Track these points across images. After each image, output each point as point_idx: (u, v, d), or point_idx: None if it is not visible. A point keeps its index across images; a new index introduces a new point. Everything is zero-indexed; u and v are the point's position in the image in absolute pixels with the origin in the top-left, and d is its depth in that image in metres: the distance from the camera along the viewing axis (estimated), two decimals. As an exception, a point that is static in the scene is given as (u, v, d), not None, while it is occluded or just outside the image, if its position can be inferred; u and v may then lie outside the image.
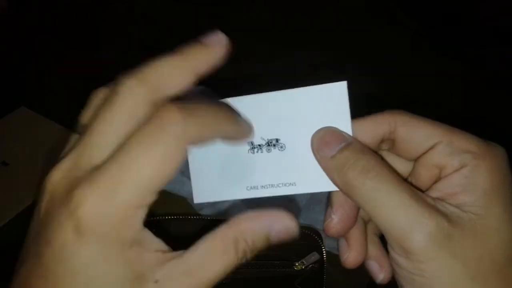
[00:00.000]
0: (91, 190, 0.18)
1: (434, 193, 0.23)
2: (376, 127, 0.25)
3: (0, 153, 0.60)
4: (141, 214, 0.20)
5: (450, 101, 0.79)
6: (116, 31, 0.91)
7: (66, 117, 0.68)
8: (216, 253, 0.20)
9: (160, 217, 0.39)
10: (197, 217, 0.42)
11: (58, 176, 0.20)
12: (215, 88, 0.56)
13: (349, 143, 0.23)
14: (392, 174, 0.21)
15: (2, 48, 0.86)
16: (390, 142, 0.25)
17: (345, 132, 0.24)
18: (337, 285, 0.52)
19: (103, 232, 0.18)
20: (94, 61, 0.84)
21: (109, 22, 0.93)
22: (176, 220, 0.40)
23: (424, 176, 0.24)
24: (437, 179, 0.23)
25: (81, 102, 0.72)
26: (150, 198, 0.20)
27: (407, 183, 0.22)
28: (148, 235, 0.20)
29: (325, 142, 0.23)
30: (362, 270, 0.49)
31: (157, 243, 0.20)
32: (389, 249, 0.22)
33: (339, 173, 0.22)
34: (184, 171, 0.49)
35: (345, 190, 0.22)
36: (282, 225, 0.21)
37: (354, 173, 0.21)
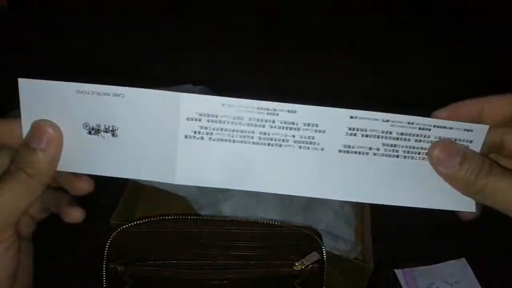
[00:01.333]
0: None
1: None
2: (469, 110, 0.27)
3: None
4: None
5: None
6: (116, 31, 0.91)
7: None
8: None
9: (157, 217, 0.39)
10: (197, 217, 0.42)
11: None
12: (213, 87, 0.56)
13: (465, 155, 0.24)
14: (505, 170, 0.24)
15: (2, 48, 0.86)
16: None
17: (458, 144, 0.25)
18: (337, 285, 0.52)
19: None
20: (94, 61, 0.84)
21: (109, 22, 0.93)
22: (174, 220, 0.40)
23: None
24: None
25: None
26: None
27: None
28: None
29: (443, 160, 0.24)
30: (361, 271, 0.50)
31: None
32: None
33: (466, 182, 0.24)
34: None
35: (472, 193, 0.25)
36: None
37: (478, 179, 0.24)
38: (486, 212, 0.64)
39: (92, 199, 0.64)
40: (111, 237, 0.41)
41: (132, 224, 0.40)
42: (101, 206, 0.59)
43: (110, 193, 0.59)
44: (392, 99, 0.78)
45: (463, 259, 0.54)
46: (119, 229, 0.41)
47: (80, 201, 0.65)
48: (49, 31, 0.90)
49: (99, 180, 0.68)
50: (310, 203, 0.51)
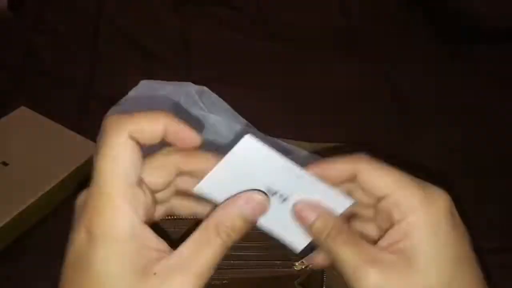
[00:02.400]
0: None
1: (385, 240, 0.26)
2: (339, 172, 0.28)
3: (0, 153, 0.60)
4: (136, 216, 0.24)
5: (454, 100, 0.79)
6: (116, 31, 0.91)
7: (66, 117, 0.68)
8: (203, 242, 0.24)
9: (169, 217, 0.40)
10: (197, 218, 0.42)
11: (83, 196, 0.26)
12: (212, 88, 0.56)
13: (319, 215, 0.27)
14: (347, 236, 0.26)
15: (2, 48, 0.86)
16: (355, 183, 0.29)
17: (317, 205, 0.27)
18: (337, 285, 0.52)
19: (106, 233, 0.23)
20: (94, 61, 0.84)
21: (108, 22, 0.93)
22: (181, 220, 0.40)
23: (380, 221, 0.28)
24: (390, 226, 0.27)
25: (81, 102, 0.72)
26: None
27: (360, 241, 0.26)
28: (150, 236, 0.24)
29: (303, 216, 0.27)
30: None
31: (157, 242, 0.24)
32: None
33: (316, 240, 0.27)
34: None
35: (324, 252, 0.28)
36: (254, 202, 0.25)
37: (325, 242, 0.26)
38: (486, 211, 0.64)
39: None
40: None
41: None
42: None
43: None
44: (392, 99, 0.78)
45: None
46: None
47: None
48: (49, 31, 0.90)
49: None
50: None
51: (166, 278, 0.23)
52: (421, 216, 0.25)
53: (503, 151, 0.68)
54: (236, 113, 0.53)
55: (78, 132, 0.63)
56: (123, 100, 0.51)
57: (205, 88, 0.53)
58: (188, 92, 0.51)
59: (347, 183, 0.28)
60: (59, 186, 0.57)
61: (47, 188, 0.56)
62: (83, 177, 0.61)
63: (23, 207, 0.54)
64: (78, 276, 0.24)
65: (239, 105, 0.77)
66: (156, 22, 0.94)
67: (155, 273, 0.23)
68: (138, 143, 0.25)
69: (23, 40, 0.87)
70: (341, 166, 0.28)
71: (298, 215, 0.27)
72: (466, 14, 0.89)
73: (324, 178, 0.27)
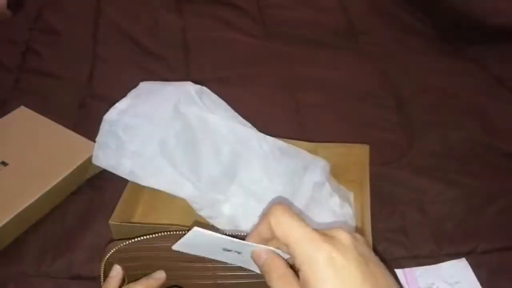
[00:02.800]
0: None
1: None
2: (264, 234, 0.32)
3: (0, 153, 0.60)
4: None
5: (455, 99, 0.78)
6: (116, 31, 0.91)
7: (66, 117, 0.68)
8: None
9: (154, 234, 0.40)
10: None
11: None
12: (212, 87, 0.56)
13: (265, 260, 0.32)
14: (282, 274, 0.31)
15: (2, 48, 0.86)
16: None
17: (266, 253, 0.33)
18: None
19: None
20: (94, 61, 0.84)
21: (108, 22, 0.93)
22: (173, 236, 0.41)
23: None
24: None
25: (81, 103, 0.72)
26: None
27: (290, 280, 0.30)
28: None
29: (256, 257, 0.33)
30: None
31: None
32: None
33: (264, 273, 0.32)
34: (183, 172, 0.49)
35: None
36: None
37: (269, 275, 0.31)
38: (486, 211, 0.64)
39: (92, 199, 0.64)
40: (107, 256, 0.41)
41: (128, 242, 0.41)
42: (101, 206, 0.59)
43: (110, 193, 0.59)
44: (392, 99, 0.78)
45: (464, 259, 0.54)
46: (115, 248, 0.41)
47: (80, 201, 0.65)
48: (49, 31, 0.90)
49: (99, 180, 0.68)
50: (310, 205, 0.51)
51: None
52: (310, 267, 0.29)
53: (503, 151, 0.68)
54: (236, 113, 0.53)
55: (78, 132, 0.63)
56: (122, 101, 0.50)
57: (204, 88, 0.53)
58: (187, 92, 0.51)
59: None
60: (59, 186, 0.57)
61: (47, 188, 0.56)
62: (82, 177, 0.61)
63: (23, 207, 0.54)
64: None
65: (238, 104, 0.77)
66: (156, 22, 0.94)
67: None
68: None
69: (23, 40, 0.87)
70: (261, 228, 0.32)
71: (255, 257, 0.33)
72: (466, 14, 0.89)
73: (258, 242, 0.33)
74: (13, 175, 0.57)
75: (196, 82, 0.80)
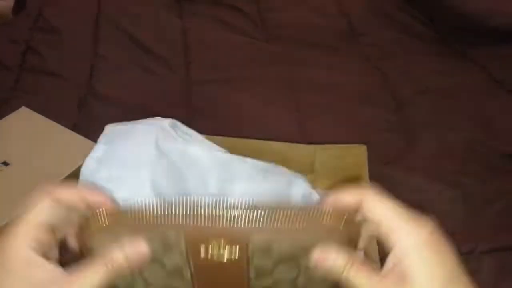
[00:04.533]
0: None
1: (386, 265, 0.31)
2: (348, 203, 0.32)
3: (1, 153, 0.60)
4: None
5: (455, 100, 0.79)
6: (116, 31, 0.91)
7: (66, 117, 0.69)
8: (88, 266, 0.30)
9: None
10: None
11: None
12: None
13: (336, 255, 0.31)
14: (361, 266, 0.30)
15: (2, 48, 0.86)
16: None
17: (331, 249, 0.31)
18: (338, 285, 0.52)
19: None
20: (94, 60, 0.84)
21: (108, 22, 0.93)
22: None
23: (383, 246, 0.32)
24: (388, 252, 0.31)
25: (81, 103, 0.72)
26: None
27: (369, 270, 0.30)
28: (45, 266, 0.30)
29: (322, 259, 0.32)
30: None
31: (52, 270, 0.30)
32: None
33: (336, 274, 0.31)
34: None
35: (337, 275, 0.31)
36: (138, 250, 0.33)
37: (346, 269, 0.31)
38: (486, 211, 0.64)
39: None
40: None
41: None
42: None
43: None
44: (392, 99, 0.78)
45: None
46: None
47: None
48: (49, 31, 0.90)
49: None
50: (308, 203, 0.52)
51: None
52: (411, 242, 0.29)
53: (502, 151, 0.68)
54: (210, 142, 0.52)
55: (78, 132, 0.63)
56: (96, 149, 0.48)
57: (175, 120, 0.51)
58: (162, 128, 0.49)
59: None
60: (60, 186, 0.57)
61: (48, 188, 0.56)
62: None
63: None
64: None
65: (239, 105, 0.77)
66: (156, 22, 0.94)
67: None
68: (57, 203, 0.32)
69: (24, 40, 0.87)
70: (349, 198, 0.32)
71: (319, 260, 0.31)
72: (465, 15, 0.89)
73: (336, 208, 0.32)
74: (14, 175, 0.57)
75: (196, 82, 0.81)
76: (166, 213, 0.32)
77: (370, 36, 0.94)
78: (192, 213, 0.32)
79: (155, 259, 0.33)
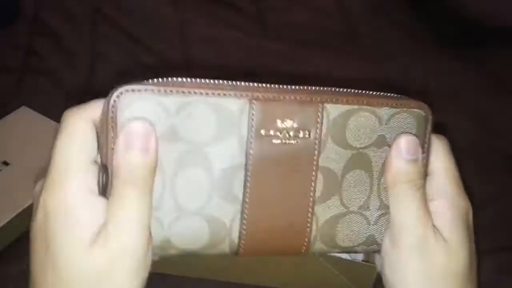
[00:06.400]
0: None
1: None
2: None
3: (1, 153, 0.60)
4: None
5: (454, 100, 0.79)
6: (115, 30, 0.91)
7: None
8: (118, 202, 0.25)
9: None
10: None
11: None
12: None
13: (419, 159, 0.29)
14: (424, 196, 0.28)
15: (2, 49, 0.86)
16: None
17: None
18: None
19: None
20: (94, 60, 0.84)
21: (108, 22, 0.93)
22: None
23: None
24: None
25: (81, 102, 0.72)
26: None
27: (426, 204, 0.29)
28: (101, 208, 0.25)
29: (408, 149, 0.28)
30: (365, 272, 0.50)
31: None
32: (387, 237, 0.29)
33: (397, 175, 0.28)
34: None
35: (389, 183, 0.28)
36: (132, 137, 0.25)
37: (410, 185, 0.28)
38: (486, 211, 0.64)
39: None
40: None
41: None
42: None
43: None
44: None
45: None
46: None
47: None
48: (49, 31, 0.90)
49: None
50: None
51: (108, 241, 0.24)
52: (451, 209, 0.30)
53: (502, 151, 0.68)
54: None
55: (79, 132, 0.63)
56: None
57: None
58: None
59: None
60: (60, 186, 0.57)
61: (48, 187, 0.56)
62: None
63: (24, 206, 0.54)
64: (37, 252, 0.25)
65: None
66: (156, 21, 0.94)
67: (99, 241, 0.24)
68: (94, 126, 0.26)
69: (24, 40, 0.87)
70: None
71: (401, 146, 0.28)
72: (466, 14, 0.89)
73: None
74: (15, 175, 0.57)
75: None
76: (226, 83, 0.26)
77: (371, 36, 0.94)
78: (256, 84, 0.28)
79: (198, 158, 0.25)
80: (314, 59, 0.87)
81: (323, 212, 0.28)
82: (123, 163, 0.24)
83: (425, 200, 0.28)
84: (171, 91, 0.24)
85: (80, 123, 0.26)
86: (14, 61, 0.82)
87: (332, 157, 0.27)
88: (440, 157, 0.30)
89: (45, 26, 0.91)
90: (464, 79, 0.83)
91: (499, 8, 0.87)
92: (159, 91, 0.24)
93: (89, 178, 0.25)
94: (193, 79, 0.25)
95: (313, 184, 0.27)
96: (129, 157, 0.24)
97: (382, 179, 0.28)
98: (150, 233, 0.25)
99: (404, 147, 0.28)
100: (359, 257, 0.52)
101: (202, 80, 0.25)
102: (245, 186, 0.26)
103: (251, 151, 0.25)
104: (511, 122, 0.74)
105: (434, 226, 0.28)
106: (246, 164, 0.26)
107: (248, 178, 0.26)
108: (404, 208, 0.28)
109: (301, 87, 0.30)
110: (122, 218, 0.24)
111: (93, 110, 0.27)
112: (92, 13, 0.95)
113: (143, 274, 0.25)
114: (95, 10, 0.96)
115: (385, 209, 0.29)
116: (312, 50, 0.89)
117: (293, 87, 0.29)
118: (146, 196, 0.24)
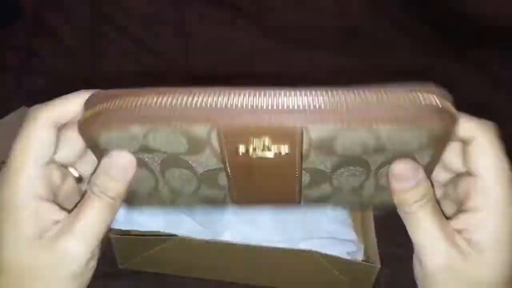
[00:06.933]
0: None
1: (458, 223, 0.27)
2: (462, 132, 0.29)
3: (1, 153, 0.59)
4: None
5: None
6: (116, 30, 0.91)
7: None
8: (84, 206, 0.26)
9: None
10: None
11: None
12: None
13: (420, 181, 0.26)
14: (435, 208, 0.26)
15: (2, 49, 0.86)
16: None
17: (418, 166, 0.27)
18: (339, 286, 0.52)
19: None
20: (94, 60, 0.84)
21: (108, 21, 0.93)
22: None
23: (455, 195, 0.28)
24: (461, 210, 0.27)
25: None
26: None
27: (444, 218, 0.27)
28: (48, 207, 0.26)
29: (405, 177, 0.26)
30: (368, 272, 0.49)
31: (55, 212, 0.26)
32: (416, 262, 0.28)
33: (407, 203, 0.27)
34: (182, 210, 0.49)
35: (401, 211, 0.28)
36: (119, 165, 0.27)
37: (416, 206, 0.26)
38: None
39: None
40: None
41: None
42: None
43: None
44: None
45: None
46: None
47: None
48: (49, 31, 0.90)
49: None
50: (304, 217, 0.52)
51: (54, 241, 0.25)
52: (493, 215, 0.25)
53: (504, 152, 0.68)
54: None
55: (79, 132, 0.63)
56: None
57: None
58: None
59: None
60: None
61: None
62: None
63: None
64: None
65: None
66: (156, 21, 0.94)
67: (43, 238, 0.25)
68: (55, 125, 0.27)
69: (24, 40, 0.87)
70: (467, 126, 0.28)
71: (397, 175, 0.26)
72: (467, 14, 0.89)
73: None
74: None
75: (196, 78, 0.81)
76: (193, 104, 0.25)
77: (371, 36, 0.94)
78: (225, 103, 0.26)
79: (179, 162, 0.26)
80: (314, 59, 0.87)
81: (311, 192, 0.28)
82: (99, 182, 0.26)
83: (439, 213, 0.26)
84: (135, 121, 0.24)
85: (40, 123, 0.27)
86: (14, 61, 0.82)
87: (318, 161, 0.26)
88: (486, 153, 0.27)
89: (45, 26, 0.91)
90: (464, 80, 0.83)
91: (499, 8, 0.87)
92: (123, 121, 0.25)
93: (39, 179, 0.26)
94: (159, 99, 0.25)
95: (298, 181, 0.27)
96: (105, 179, 0.26)
97: (380, 170, 0.27)
98: (99, 247, 0.26)
99: (398, 177, 0.26)
100: (359, 257, 0.52)
101: (169, 100, 0.25)
102: (229, 180, 0.27)
103: (227, 163, 0.25)
104: (511, 122, 0.74)
105: (468, 239, 0.26)
106: (225, 169, 0.26)
107: (231, 177, 0.26)
108: (418, 231, 0.27)
109: (284, 105, 0.27)
110: (79, 223, 0.25)
111: (56, 109, 0.28)
112: (92, 13, 0.95)
113: (79, 282, 0.26)
114: (95, 10, 0.96)
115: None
116: (312, 50, 0.89)
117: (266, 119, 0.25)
118: (108, 214, 0.26)
